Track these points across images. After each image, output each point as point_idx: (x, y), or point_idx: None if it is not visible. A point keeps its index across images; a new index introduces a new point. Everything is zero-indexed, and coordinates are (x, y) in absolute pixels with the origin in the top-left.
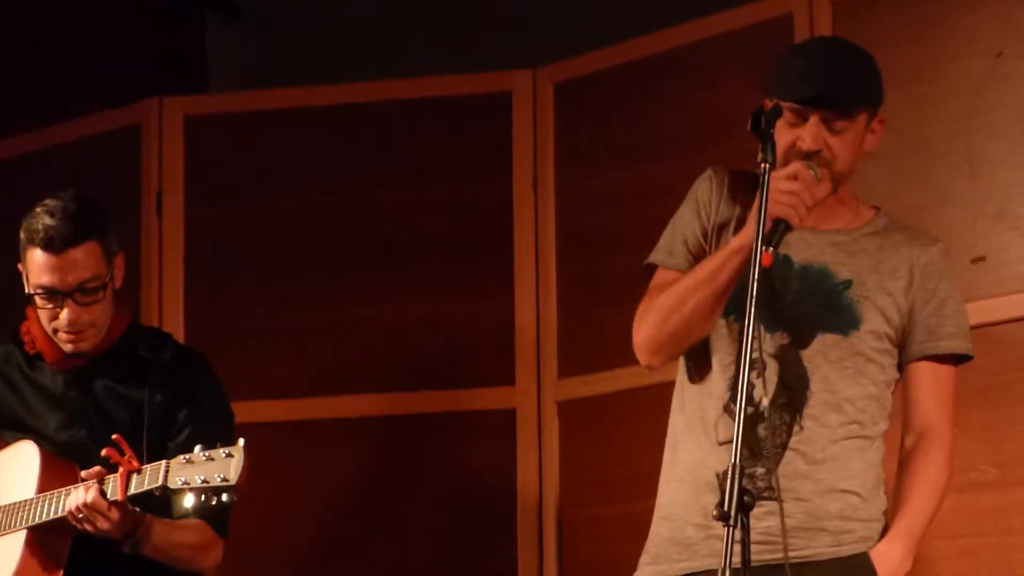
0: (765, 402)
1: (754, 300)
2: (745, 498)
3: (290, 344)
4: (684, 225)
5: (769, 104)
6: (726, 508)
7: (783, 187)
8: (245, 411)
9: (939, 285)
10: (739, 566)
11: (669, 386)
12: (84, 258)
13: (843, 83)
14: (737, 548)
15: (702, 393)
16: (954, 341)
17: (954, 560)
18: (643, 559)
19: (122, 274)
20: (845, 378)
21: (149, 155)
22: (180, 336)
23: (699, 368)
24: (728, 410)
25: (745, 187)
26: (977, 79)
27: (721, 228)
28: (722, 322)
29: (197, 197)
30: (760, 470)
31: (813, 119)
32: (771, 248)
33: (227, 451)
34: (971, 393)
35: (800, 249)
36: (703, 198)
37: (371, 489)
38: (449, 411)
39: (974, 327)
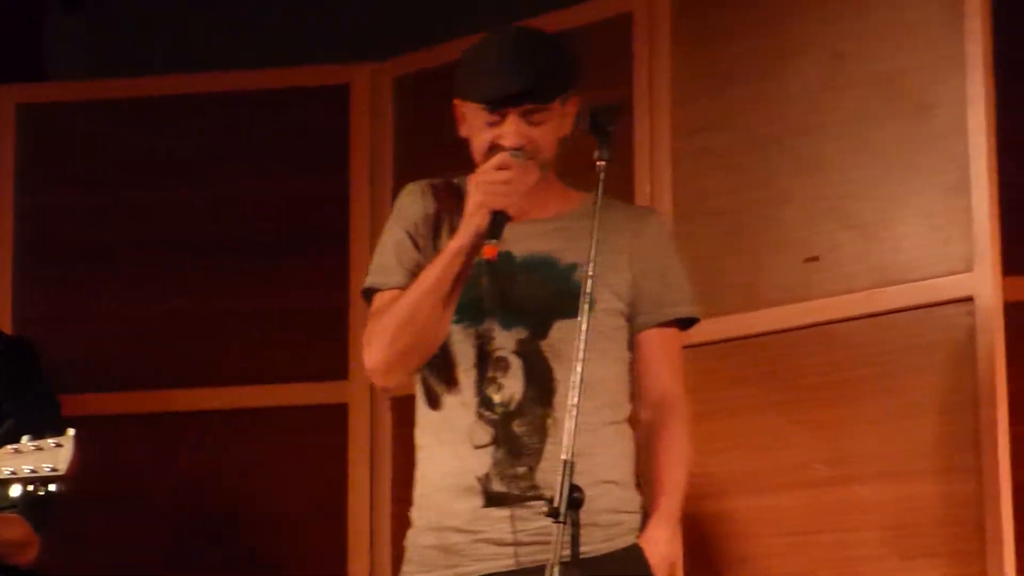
0: (516, 399)
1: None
2: (575, 494)
3: (122, 334)
4: (396, 244)
5: (470, 104)
6: (556, 504)
7: (494, 178)
8: (79, 403)
9: (659, 254)
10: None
11: None
12: None
13: (538, 75)
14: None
15: (450, 405)
16: (680, 307)
17: (791, 557)
18: (408, 568)
19: None
20: (590, 361)
21: None
22: (6, 323)
23: (442, 380)
24: (480, 415)
25: (449, 194)
26: (816, 79)
27: (435, 237)
28: (456, 329)
29: (29, 185)
30: (522, 469)
31: (512, 116)
32: (494, 240)
33: (56, 441)
34: (807, 391)
35: (519, 242)
36: (410, 213)
37: (201, 482)
38: (281, 405)
39: (809, 326)
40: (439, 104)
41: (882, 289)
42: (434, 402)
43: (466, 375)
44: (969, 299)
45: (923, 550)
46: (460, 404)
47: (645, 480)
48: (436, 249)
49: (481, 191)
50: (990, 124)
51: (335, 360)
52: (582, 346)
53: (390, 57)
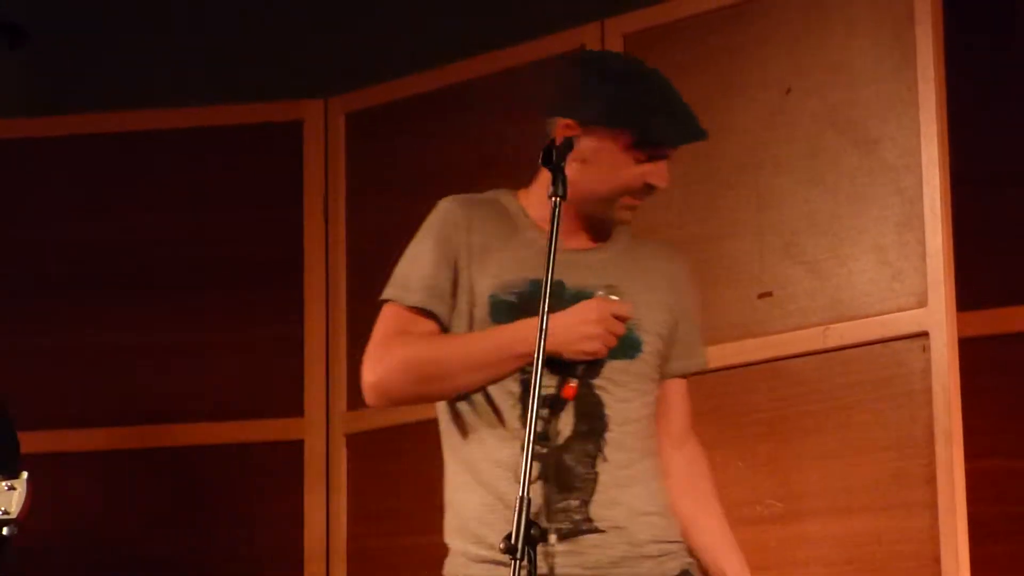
0: (565, 434)
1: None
2: (532, 531)
3: (69, 370)
4: (424, 260)
5: (623, 136)
6: (513, 541)
7: (617, 330)
8: (27, 441)
9: (691, 301)
10: None
11: None
12: None
13: (697, 122)
14: None
15: (490, 437)
16: (702, 359)
17: None
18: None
19: None
20: (634, 400)
21: None
22: None
23: (480, 412)
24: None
25: (486, 215)
26: (766, 113)
27: (471, 261)
28: None
29: None
30: (574, 502)
31: (666, 159)
32: (576, 382)
33: (9, 484)
34: (757, 427)
35: (570, 273)
36: (446, 234)
37: (155, 520)
38: (237, 442)
39: (761, 362)
40: (391, 139)
41: (835, 325)
42: (467, 432)
43: (511, 410)
44: (923, 334)
45: None
46: (502, 438)
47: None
48: (471, 270)
49: (600, 340)
50: (942, 158)
51: (290, 396)
52: (538, 376)
53: (342, 93)
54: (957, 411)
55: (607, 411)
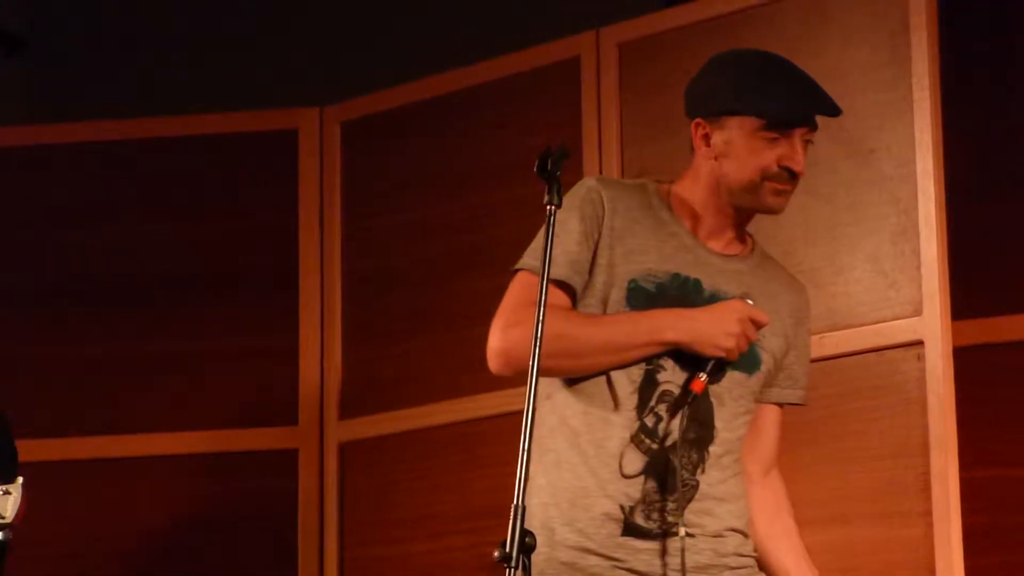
0: (674, 435)
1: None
2: (527, 539)
3: (69, 379)
4: (572, 237)
5: (730, 118)
6: (508, 549)
7: (743, 330)
8: (24, 449)
9: (804, 332)
10: None
11: (453, 427)
12: None
13: (828, 98)
14: None
15: (601, 420)
16: (803, 392)
17: None
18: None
19: None
20: (740, 416)
21: None
22: None
23: (597, 392)
24: (637, 442)
25: (631, 201)
26: None
27: (614, 243)
28: None
29: None
30: (671, 504)
31: (797, 138)
32: (706, 377)
33: (4, 488)
34: None
35: (709, 275)
36: (588, 212)
37: (148, 530)
38: (230, 451)
39: None
40: (387, 148)
41: (831, 333)
42: (580, 410)
43: (628, 398)
44: (919, 343)
45: None
46: (613, 424)
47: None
48: (611, 251)
49: (737, 339)
50: (937, 168)
51: (285, 404)
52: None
53: (337, 102)
54: (952, 420)
55: (717, 422)
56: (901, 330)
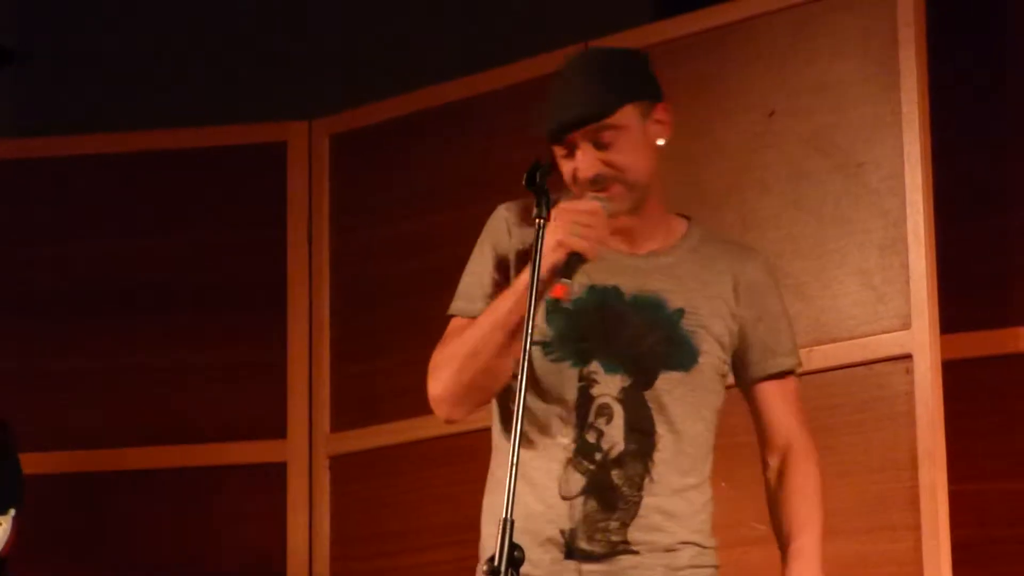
0: (616, 450)
1: (531, 338)
2: (516, 553)
3: (55, 392)
4: (480, 269)
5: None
6: (496, 563)
7: (581, 220)
8: None
9: (768, 300)
10: None
11: (442, 440)
12: None
13: (587, 95)
14: None
15: (541, 445)
16: (788, 358)
17: None
18: None
19: None
20: (688, 416)
21: None
22: None
23: (535, 418)
24: (576, 463)
25: (528, 219)
26: (750, 136)
27: (520, 264)
28: (559, 368)
29: None
30: (614, 523)
31: (581, 144)
32: (566, 280)
33: None
34: (740, 449)
35: (628, 278)
36: (496, 239)
37: (136, 543)
38: (219, 464)
39: None
40: (375, 161)
41: (819, 347)
42: (523, 437)
43: (565, 418)
44: (907, 357)
45: None
46: (554, 446)
47: (775, 523)
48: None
49: (562, 230)
50: (926, 181)
51: (273, 418)
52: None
53: (326, 115)
54: (940, 433)
55: (657, 428)
56: (889, 344)
